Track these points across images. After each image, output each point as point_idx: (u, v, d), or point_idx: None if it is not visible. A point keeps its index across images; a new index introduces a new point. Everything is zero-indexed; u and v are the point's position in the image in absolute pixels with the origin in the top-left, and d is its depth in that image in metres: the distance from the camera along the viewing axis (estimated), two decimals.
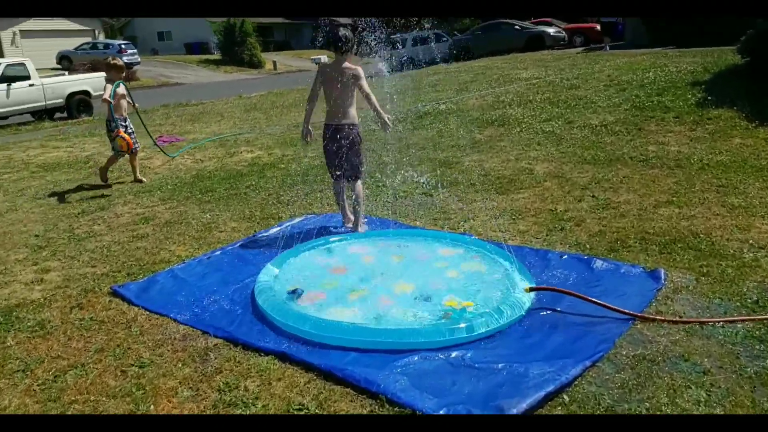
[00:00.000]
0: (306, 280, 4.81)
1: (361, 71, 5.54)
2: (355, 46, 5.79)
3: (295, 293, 4.57)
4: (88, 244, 6.10)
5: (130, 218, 6.94)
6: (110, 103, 8.07)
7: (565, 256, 5.06)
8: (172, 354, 3.90)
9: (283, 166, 9.19)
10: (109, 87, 8.16)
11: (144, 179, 8.72)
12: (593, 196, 6.66)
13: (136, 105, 8.88)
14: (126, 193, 8.08)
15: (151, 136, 9.71)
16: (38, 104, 18.02)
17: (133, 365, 3.79)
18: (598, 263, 4.84)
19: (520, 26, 29.26)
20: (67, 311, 4.58)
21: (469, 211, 6.48)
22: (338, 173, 5.82)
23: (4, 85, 17.11)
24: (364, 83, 5.53)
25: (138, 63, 36.28)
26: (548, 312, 4.16)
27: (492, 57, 24.66)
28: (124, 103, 8.41)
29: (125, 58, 29.62)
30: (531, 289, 4.32)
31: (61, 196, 8.18)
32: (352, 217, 6.08)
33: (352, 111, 5.67)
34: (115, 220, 6.89)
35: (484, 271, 4.83)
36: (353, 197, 5.93)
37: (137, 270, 5.33)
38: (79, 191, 8.41)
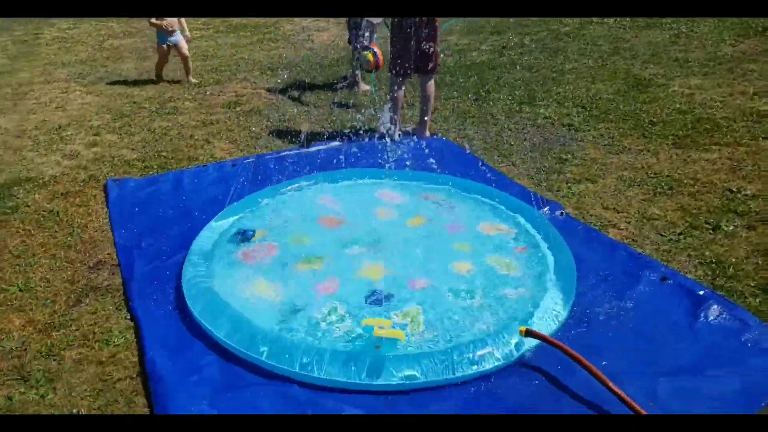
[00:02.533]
0: (288, 222, 3.67)
1: None
2: None
3: (243, 236, 3.51)
4: (158, 122, 5.68)
5: (224, 99, 6.32)
6: None
7: (670, 281, 3.02)
8: (56, 284, 3.24)
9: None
10: None
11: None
12: None
13: None
14: (242, 69, 7.46)
15: None
16: None
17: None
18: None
19: None
20: (49, 199, 4.21)
21: (601, 167, 4.42)
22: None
23: None
24: None
25: None
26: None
27: None
28: None
29: None
30: (527, 334, 2.57)
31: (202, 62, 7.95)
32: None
33: None
34: (206, 101, 6.32)
35: (514, 273, 3.12)
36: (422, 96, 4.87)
37: (159, 164, 4.75)
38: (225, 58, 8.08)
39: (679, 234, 3.53)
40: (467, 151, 4.72)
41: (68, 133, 5.50)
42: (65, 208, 4.06)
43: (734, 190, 3.97)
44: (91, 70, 7.65)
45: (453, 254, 3.30)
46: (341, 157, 4.57)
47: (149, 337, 2.75)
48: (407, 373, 2.43)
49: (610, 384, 2.33)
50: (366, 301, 2.94)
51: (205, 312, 2.81)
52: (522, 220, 3.60)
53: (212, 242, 3.42)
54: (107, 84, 6.89)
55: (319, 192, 4.04)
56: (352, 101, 6.04)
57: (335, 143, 5.03)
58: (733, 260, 3.24)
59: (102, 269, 3.38)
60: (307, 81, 6.53)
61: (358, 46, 6.19)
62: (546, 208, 3.77)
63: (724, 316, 2.78)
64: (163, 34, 6.55)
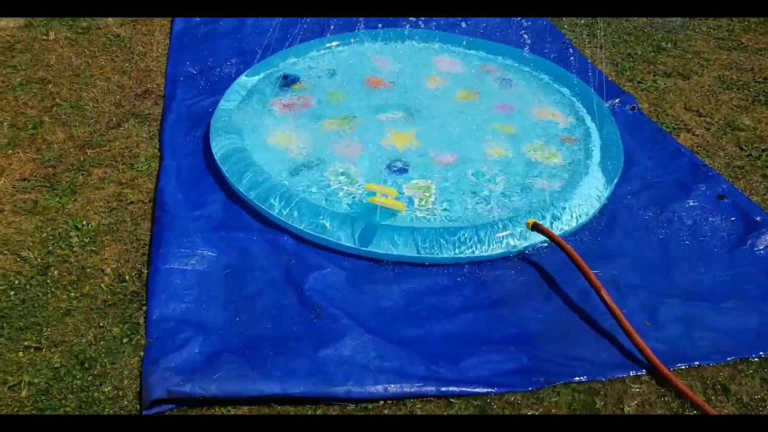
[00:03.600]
0: (333, 76, 3.52)
1: None
2: None
3: (286, 80, 3.44)
4: None
5: None
6: None
7: (728, 199, 2.65)
8: (103, 106, 3.37)
9: None
10: None
11: None
12: None
13: None
14: None
15: None
16: None
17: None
18: None
19: None
20: (119, 23, 4.28)
21: (702, 63, 3.83)
22: None
23: None
24: None
25: None
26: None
27: None
28: None
29: None
30: (534, 228, 2.37)
31: None
32: None
33: None
34: None
35: (550, 162, 2.86)
36: None
37: None
38: None
39: (763, 150, 3.04)
40: (550, 24, 4.23)
41: None
42: (131, 35, 4.13)
43: None
44: None
45: (492, 135, 3.05)
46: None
47: (167, 167, 2.83)
48: (396, 243, 2.35)
49: (604, 293, 2.12)
50: (382, 169, 2.82)
51: (223, 151, 2.83)
52: (582, 108, 3.23)
53: (252, 84, 3.37)
54: None
55: (374, 51, 3.81)
56: None
57: None
58: None
59: (148, 98, 3.46)
60: None
61: None
62: (617, 100, 3.36)
63: None
64: None
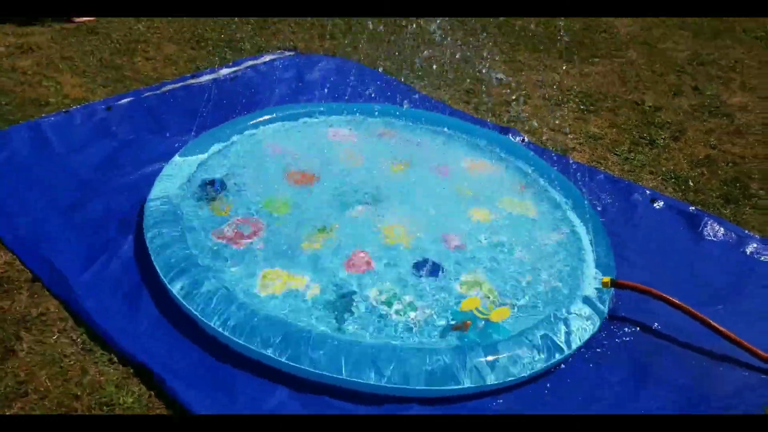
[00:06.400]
0: (246, 186, 2.94)
1: None
2: None
3: (211, 186, 2.82)
4: None
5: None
6: None
7: (661, 203, 3.18)
8: None
9: None
10: None
11: None
12: (695, 88, 4.55)
13: None
14: None
15: None
16: None
17: None
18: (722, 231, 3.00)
19: None
20: None
21: (518, 84, 4.39)
22: None
23: None
24: None
25: None
26: (633, 330, 2.43)
27: None
28: None
29: None
30: (613, 285, 2.50)
31: None
32: None
33: None
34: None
35: (536, 217, 2.97)
36: None
37: None
38: None
39: (629, 152, 3.73)
40: (379, 72, 4.31)
41: None
42: None
43: (638, 102, 4.31)
44: None
45: (461, 201, 3.01)
46: (243, 88, 3.84)
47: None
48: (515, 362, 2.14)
49: (728, 332, 2.30)
50: (410, 274, 2.53)
51: (226, 324, 2.14)
52: (499, 152, 3.42)
53: (172, 214, 2.59)
54: None
55: (263, 137, 3.32)
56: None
57: (225, 70, 4.17)
58: (686, 173, 3.55)
59: (9, 291, 2.32)
60: None
61: None
62: (510, 135, 3.65)
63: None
64: None
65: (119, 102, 3.62)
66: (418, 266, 2.56)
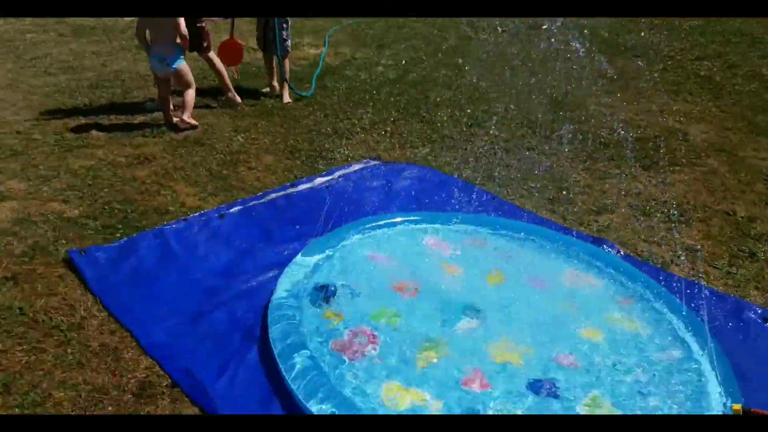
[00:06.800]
0: (353, 297, 3.06)
1: None
2: None
3: (324, 293, 2.96)
4: (73, 160, 4.46)
5: (136, 124, 5.23)
6: None
7: None
8: None
9: (349, 73, 7.18)
10: None
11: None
12: None
13: None
14: (147, 84, 6.32)
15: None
16: None
17: None
18: None
19: None
20: None
21: (602, 193, 4.47)
22: None
23: None
24: None
25: None
26: None
27: None
28: None
29: None
30: (746, 413, 2.42)
31: (73, 75, 6.51)
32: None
33: None
34: (119, 125, 5.21)
35: (646, 334, 2.94)
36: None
37: (118, 220, 3.70)
38: (98, 70, 6.70)
39: (730, 265, 3.69)
40: (463, 181, 4.48)
41: None
42: (30, 301, 2.93)
43: (730, 212, 4.30)
44: None
45: (566, 316, 3.02)
46: (338, 196, 4.08)
47: None
48: None
49: None
50: (527, 395, 2.53)
51: None
52: (597, 263, 3.45)
53: (292, 322, 2.72)
54: None
55: (364, 245, 3.47)
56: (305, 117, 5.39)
57: (320, 179, 4.43)
58: None
59: (152, 396, 2.46)
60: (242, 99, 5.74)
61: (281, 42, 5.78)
62: (605, 246, 3.68)
63: None
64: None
65: (230, 210, 3.88)
66: (534, 387, 2.56)
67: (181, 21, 4.89)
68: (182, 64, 5.03)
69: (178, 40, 4.90)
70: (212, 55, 5.59)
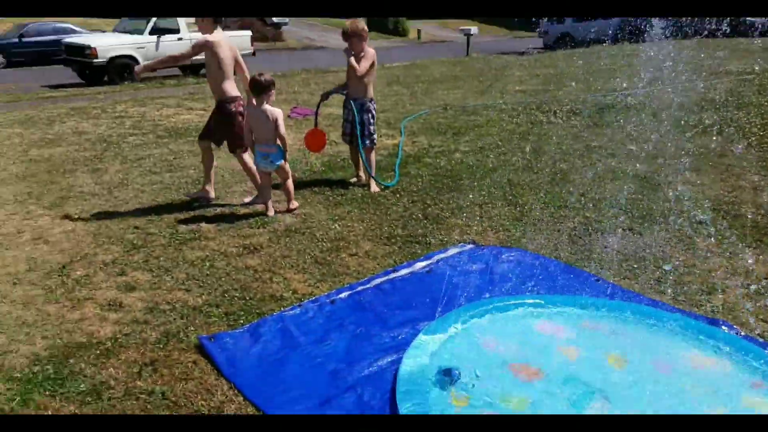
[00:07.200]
0: (477, 380, 3.09)
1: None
2: None
3: (449, 377, 2.97)
4: (188, 251, 4.79)
5: (241, 215, 5.58)
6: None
7: None
8: None
9: (429, 160, 7.47)
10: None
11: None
12: None
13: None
14: (244, 179, 6.76)
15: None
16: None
17: None
18: None
19: None
20: (135, 373, 3.22)
21: (707, 272, 4.39)
22: None
23: (154, 37, 17.40)
24: None
25: (286, 24, 36.11)
26: None
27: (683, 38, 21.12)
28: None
29: (275, 18, 29.33)
30: None
31: (175, 173, 7.07)
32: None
33: None
34: (224, 216, 5.58)
35: None
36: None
37: (239, 307, 3.91)
38: (197, 167, 7.24)
39: None
40: (564, 263, 4.50)
41: (79, 273, 4.41)
42: (170, 386, 3.10)
43: None
44: (39, 187, 6.49)
45: (699, 401, 2.94)
46: (440, 280, 4.16)
47: None
48: None
49: None
50: None
51: None
52: (719, 345, 3.36)
53: (423, 407, 2.76)
54: (73, 203, 5.84)
55: (477, 330, 3.52)
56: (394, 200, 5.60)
57: (419, 264, 4.55)
58: None
59: None
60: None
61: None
62: (723, 327, 3.59)
63: None
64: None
65: (339, 296, 4.03)
66: None
67: (281, 123, 5.32)
68: (284, 163, 5.45)
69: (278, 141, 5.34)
70: (247, 158, 5.83)
